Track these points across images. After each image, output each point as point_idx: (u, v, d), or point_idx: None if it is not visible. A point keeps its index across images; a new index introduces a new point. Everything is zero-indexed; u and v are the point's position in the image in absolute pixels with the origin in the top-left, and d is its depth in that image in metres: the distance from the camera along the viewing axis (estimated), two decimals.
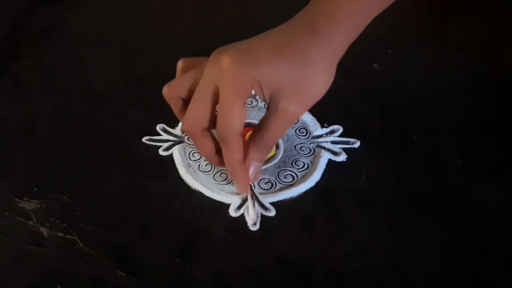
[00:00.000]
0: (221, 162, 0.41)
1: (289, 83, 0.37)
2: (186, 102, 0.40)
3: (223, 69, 0.37)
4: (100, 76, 0.54)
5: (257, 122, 0.49)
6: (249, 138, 0.41)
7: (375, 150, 0.46)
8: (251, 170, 0.41)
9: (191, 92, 0.39)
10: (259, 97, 0.39)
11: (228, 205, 0.42)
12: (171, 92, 0.41)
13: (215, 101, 0.38)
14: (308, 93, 0.38)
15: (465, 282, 0.38)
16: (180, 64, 0.42)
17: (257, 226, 0.41)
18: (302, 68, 0.37)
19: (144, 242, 0.40)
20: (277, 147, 0.47)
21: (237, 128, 0.38)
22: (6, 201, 0.42)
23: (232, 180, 0.44)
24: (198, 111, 0.39)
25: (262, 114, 0.49)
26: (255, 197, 0.43)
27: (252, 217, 0.41)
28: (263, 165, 0.45)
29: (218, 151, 0.41)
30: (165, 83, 0.52)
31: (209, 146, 0.40)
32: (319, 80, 0.38)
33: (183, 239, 0.41)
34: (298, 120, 0.49)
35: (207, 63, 0.38)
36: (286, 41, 0.38)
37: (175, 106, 0.41)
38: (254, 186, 0.44)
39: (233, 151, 0.39)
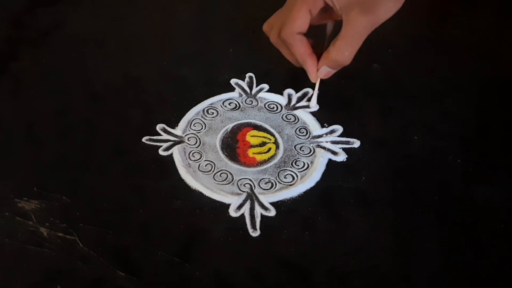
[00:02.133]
0: (293, 59, 0.47)
1: None
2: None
3: None
4: (100, 76, 0.54)
5: (257, 122, 0.49)
6: (329, 47, 0.44)
7: (375, 150, 0.46)
8: (320, 71, 0.45)
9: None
10: (334, 10, 0.42)
11: (228, 205, 0.42)
12: (268, 25, 0.47)
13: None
14: (377, 7, 0.41)
15: (465, 282, 0.38)
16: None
17: (258, 232, 0.41)
18: None
19: (144, 242, 0.40)
20: (277, 147, 0.47)
21: (297, 28, 0.43)
22: (6, 201, 0.42)
23: (232, 181, 0.44)
24: (274, 23, 0.45)
25: (262, 114, 0.50)
26: (255, 197, 0.43)
27: (314, 100, 0.49)
28: (264, 165, 0.45)
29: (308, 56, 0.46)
30: (165, 83, 0.53)
31: (290, 52, 0.46)
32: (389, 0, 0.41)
33: (183, 239, 0.41)
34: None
35: None
36: None
37: (272, 37, 0.47)
38: (255, 186, 0.44)
39: (298, 46, 0.44)
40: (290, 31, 0.43)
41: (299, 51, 0.44)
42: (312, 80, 0.47)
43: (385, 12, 0.41)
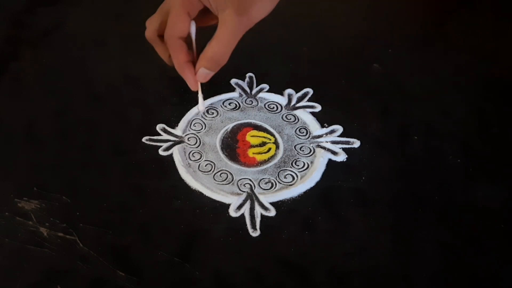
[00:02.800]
0: (171, 63, 0.45)
1: None
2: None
3: None
4: (100, 76, 0.54)
5: (257, 122, 0.49)
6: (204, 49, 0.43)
7: (375, 150, 0.46)
8: (198, 74, 0.44)
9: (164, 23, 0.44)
10: (210, 9, 0.42)
11: (228, 205, 0.42)
12: (149, 33, 0.45)
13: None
14: (252, 6, 0.40)
15: (465, 282, 0.38)
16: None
17: (258, 232, 0.41)
18: None
19: (144, 242, 0.40)
20: (277, 147, 0.47)
21: (177, 32, 0.42)
22: (6, 201, 0.42)
23: (232, 181, 0.44)
24: (155, 20, 0.44)
25: (262, 114, 0.50)
26: (255, 197, 0.43)
27: (200, 104, 0.48)
28: (264, 165, 0.45)
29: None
30: (165, 83, 0.53)
31: (161, 51, 0.45)
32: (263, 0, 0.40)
33: (183, 239, 0.41)
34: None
35: None
36: None
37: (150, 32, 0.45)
38: (255, 186, 0.44)
39: (176, 52, 0.43)
40: (170, 34, 0.43)
41: (177, 58, 0.43)
42: (192, 88, 0.45)
43: (259, 11, 0.41)
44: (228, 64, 0.55)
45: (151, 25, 0.44)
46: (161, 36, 0.44)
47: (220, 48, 0.42)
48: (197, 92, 0.47)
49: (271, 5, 0.41)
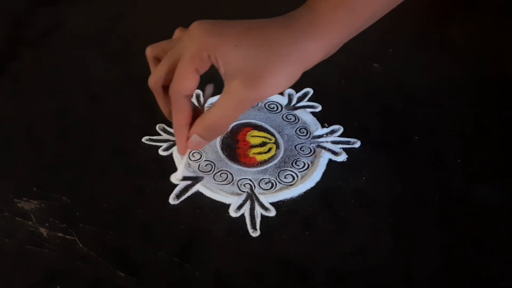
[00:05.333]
0: (170, 117, 0.41)
1: (246, 65, 0.37)
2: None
3: (191, 35, 0.38)
4: (100, 76, 0.54)
5: (257, 122, 0.49)
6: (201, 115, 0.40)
7: (376, 150, 0.46)
8: (190, 140, 0.40)
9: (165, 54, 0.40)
10: (218, 70, 0.38)
11: (228, 205, 0.42)
12: (151, 51, 0.41)
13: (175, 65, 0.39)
14: (264, 80, 0.36)
15: (465, 282, 0.38)
16: (176, 31, 0.42)
17: (258, 232, 0.41)
18: (263, 54, 0.37)
19: (144, 242, 0.40)
20: (278, 147, 0.47)
21: (183, 90, 0.38)
22: (5, 201, 0.42)
23: (232, 181, 0.44)
24: (162, 69, 0.39)
25: (262, 114, 0.50)
26: (255, 197, 0.43)
27: (179, 172, 0.44)
28: (265, 165, 0.45)
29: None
30: None
31: (166, 103, 0.41)
32: (279, 72, 0.37)
33: (183, 239, 0.40)
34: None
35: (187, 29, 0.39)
36: (257, 27, 0.38)
37: (151, 65, 0.42)
38: (255, 186, 0.44)
39: (177, 112, 0.39)
40: (175, 90, 0.39)
41: (177, 117, 0.40)
42: (180, 152, 0.41)
43: (270, 88, 0.37)
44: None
45: (156, 74, 0.40)
46: (165, 87, 0.40)
47: (219, 118, 0.38)
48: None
49: (286, 83, 0.37)
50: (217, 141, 0.47)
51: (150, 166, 0.45)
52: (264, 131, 0.48)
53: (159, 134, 0.48)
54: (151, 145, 0.47)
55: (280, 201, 0.43)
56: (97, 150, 0.47)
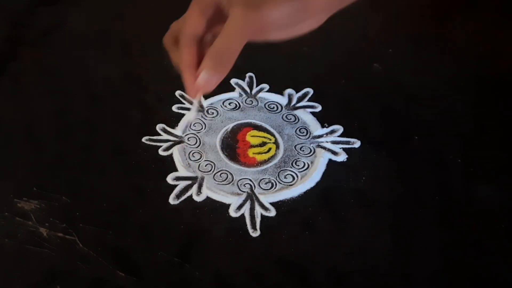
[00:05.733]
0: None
1: None
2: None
3: None
4: (100, 76, 0.54)
5: (257, 122, 0.49)
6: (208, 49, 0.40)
7: (376, 150, 0.46)
8: (199, 77, 0.39)
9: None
10: (222, 8, 0.39)
11: (228, 205, 0.42)
12: (167, 37, 0.43)
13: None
14: (261, 7, 0.37)
15: (465, 282, 0.38)
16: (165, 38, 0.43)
17: (258, 232, 0.41)
18: None
19: (144, 242, 0.40)
20: (277, 147, 0.47)
21: (189, 31, 0.40)
22: (5, 201, 0.42)
23: (232, 181, 0.44)
24: (174, 24, 0.42)
25: (262, 114, 0.50)
26: (255, 197, 0.43)
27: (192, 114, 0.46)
28: (264, 165, 0.45)
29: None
30: (165, 84, 0.53)
31: (174, 54, 0.41)
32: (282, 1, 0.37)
33: (183, 239, 0.40)
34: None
35: None
36: None
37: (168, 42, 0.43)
38: (255, 186, 0.44)
39: (183, 52, 0.40)
40: (183, 32, 0.40)
41: (183, 58, 0.40)
42: (191, 95, 0.40)
43: (271, 9, 0.37)
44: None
45: (170, 30, 0.42)
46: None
47: (225, 44, 0.38)
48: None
49: (287, 4, 0.37)
50: (217, 141, 0.47)
51: (150, 166, 0.45)
52: (264, 131, 0.48)
53: (159, 134, 0.48)
54: (151, 145, 0.47)
55: (280, 201, 0.43)
56: (97, 150, 0.47)
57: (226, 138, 0.47)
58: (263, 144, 0.47)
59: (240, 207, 0.42)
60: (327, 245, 0.40)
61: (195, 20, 0.40)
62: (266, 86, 0.52)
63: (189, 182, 0.44)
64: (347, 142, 0.47)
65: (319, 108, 0.50)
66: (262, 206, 0.42)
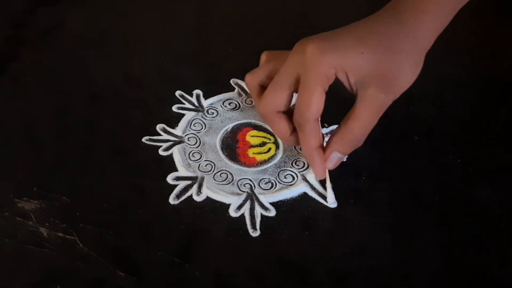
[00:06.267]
0: (296, 142, 0.41)
1: (377, 69, 0.37)
2: (265, 89, 0.41)
3: (307, 56, 0.37)
4: (100, 76, 0.54)
5: (257, 122, 0.49)
6: (336, 128, 0.40)
7: (375, 150, 0.46)
8: (329, 160, 0.40)
9: (271, 79, 0.40)
10: (345, 85, 0.38)
11: (228, 205, 0.42)
12: (253, 79, 0.41)
13: (294, 88, 0.38)
14: (396, 80, 0.37)
15: (465, 282, 0.38)
16: (263, 56, 0.42)
17: (258, 232, 0.41)
18: (389, 55, 0.37)
19: (144, 242, 0.40)
20: (277, 147, 0.47)
21: (314, 114, 0.38)
22: (5, 201, 0.42)
23: (232, 181, 0.44)
24: (275, 95, 0.39)
25: None
26: (255, 197, 0.43)
27: (330, 196, 0.42)
28: (264, 165, 0.45)
29: (294, 132, 0.41)
30: (165, 83, 0.53)
31: (284, 128, 0.41)
32: (408, 68, 0.38)
33: (183, 239, 0.41)
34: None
35: (290, 52, 0.39)
36: (371, 30, 0.38)
37: (254, 93, 0.42)
38: (255, 186, 0.44)
39: (310, 137, 0.39)
40: (306, 117, 0.38)
41: (309, 143, 0.39)
42: (319, 176, 0.41)
43: (403, 86, 0.37)
44: (228, 63, 0.55)
45: (272, 100, 0.39)
46: (281, 112, 0.40)
47: (359, 129, 0.37)
48: (324, 181, 0.42)
49: (415, 74, 0.38)
50: (217, 141, 0.47)
51: (150, 166, 0.45)
52: (264, 131, 0.48)
53: (159, 134, 0.48)
54: (151, 145, 0.47)
55: (280, 201, 0.43)
56: (97, 150, 0.47)
57: (226, 138, 0.48)
58: (263, 144, 0.47)
59: (240, 207, 0.42)
60: (327, 245, 0.40)
61: (319, 103, 0.38)
62: None
63: (189, 182, 0.44)
64: None
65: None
66: (262, 206, 0.42)
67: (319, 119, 0.39)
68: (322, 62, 0.37)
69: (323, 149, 0.40)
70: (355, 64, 0.37)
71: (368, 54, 0.37)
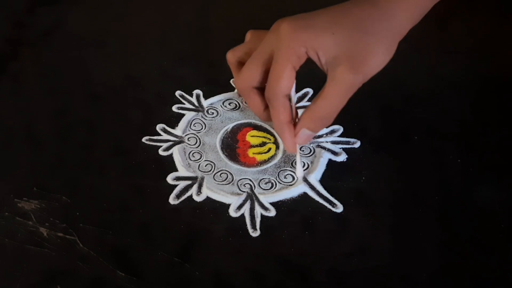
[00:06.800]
0: (269, 118, 0.41)
1: (347, 49, 0.37)
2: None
3: (280, 33, 0.38)
4: (100, 76, 0.54)
5: (257, 122, 0.49)
6: (307, 106, 0.40)
7: (375, 150, 0.46)
8: (299, 136, 0.40)
9: (249, 56, 0.41)
10: (318, 65, 0.39)
11: (228, 205, 0.42)
12: (233, 56, 0.42)
13: (268, 65, 0.39)
14: (366, 62, 0.37)
15: (465, 282, 0.38)
16: (248, 34, 0.43)
17: (258, 232, 0.41)
18: (361, 35, 0.37)
19: (144, 242, 0.40)
20: (277, 147, 0.47)
21: (283, 90, 0.38)
22: (5, 201, 0.42)
23: (232, 181, 0.44)
24: (251, 70, 0.40)
25: None
26: (255, 197, 0.43)
27: (299, 169, 0.43)
28: (264, 165, 0.45)
29: (267, 108, 0.41)
30: (165, 83, 0.53)
31: (258, 103, 0.41)
32: (378, 50, 0.38)
33: (183, 239, 0.41)
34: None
35: (268, 31, 0.39)
36: (345, 12, 0.39)
37: (234, 69, 0.43)
38: (255, 186, 0.44)
39: (279, 112, 0.39)
40: (275, 92, 0.39)
41: (279, 117, 0.40)
42: (290, 150, 0.42)
43: (372, 68, 0.38)
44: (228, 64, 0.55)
45: (246, 76, 0.40)
46: (257, 88, 0.41)
47: (327, 108, 0.38)
48: (294, 154, 0.44)
49: (386, 58, 0.38)
50: (217, 141, 0.47)
51: (150, 166, 0.45)
52: (264, 131, 0.48)
53: (159, 134, 0.48)
54: (151, 145, 0.47)
55: (280, 201, 0.43)
56: (97, 150, 0.47)
57: (226, 138, 0.48)
58: (263, 144, 0.47)
59: (240, 207, 0.42)
60: (327, 245, 0.40)
61: (289, 79, 0.38)
62: None
63: (189, 182, 0.44)
64: (347, 142, 0.47)
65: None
66: (262, 206, 0.42)
67: (290, 95, 0.40)
68: (293, 39, 0.37)
69: (295, 125, 0.41)
70: (326, 44, 0.37)
71: (339, 35, 0.37)
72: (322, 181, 0.44)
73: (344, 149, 0.46)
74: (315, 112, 0.39)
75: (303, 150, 0.46)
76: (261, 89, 0.41)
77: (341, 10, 0.39)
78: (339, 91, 0.38)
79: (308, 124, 0.40)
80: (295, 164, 0.44)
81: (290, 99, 0.40)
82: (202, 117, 0.49)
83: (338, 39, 0.37)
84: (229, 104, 0.50)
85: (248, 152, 0.46)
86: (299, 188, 0.43)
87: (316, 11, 0.40)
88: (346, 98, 0.38)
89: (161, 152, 0.46)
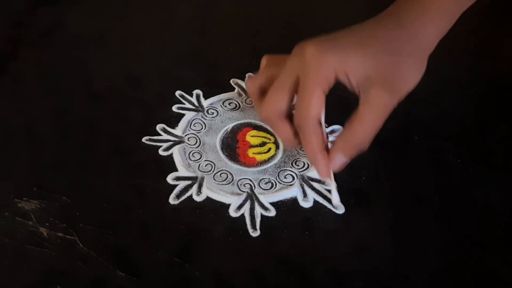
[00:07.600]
0: (300, 144, 0.40)
1: (379, 71, 0.36)
2: (265, 94, 0.40)
3: (306, 58, 0.37)
4: (100, 76, 0.54)
5: (257, 122, 0.49)
6: (341, 131, 0.39)
7: (375, 150, 0.46)
8: (333, 162, 0.39)
9: (271, 83, 0.39)
10: (348, 87, 0.37)
11: (228, 205, 0.42)
12: (254, 85, 0.41)
13: (294, 91, 0.38)
14: (399, 81, 0.37)
15: (465, 282, 0.38)
16: (264, 60, 0.42)
17: (258, 232, 0.41)
18: (391, 57, 0.37)
19: (144, 242, 0.40)
20: (277, 147, 0.47)
21: (314, 116, 0.37)
22: (5, 201, 0.42)
23: (232, 181, 0.44)
24: (276, 98, 0.39)
25: None
26: (255, 197, 0.43)
27: (335, 198, 0.41)
28: (264, 165, 0.45)
29: (296, 134, 0.40)
30: (165, 83, 0.53)
31: (287, 131, 0.40)
32: (410, 70, 0.37)
33: (183, 239, 0.41)
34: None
35: (290, 55, 0.38)
36: (371, 33, 0.38)
37: (255, 98, 0.42)
38: (255, 186, 0.44)
39: (311, 139, 0.38)
40: (306, 118, 0.37)
41: (312, 144, 0.38)
42: (323, 177, 0.40)
43: (407, 86, 0.37)
44: (228, 63, 0.55)
45: (273, 104, 0.39)
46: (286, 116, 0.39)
47: (363, 132, 0.37)
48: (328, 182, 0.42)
49: (418, 76, 0.38)
50: (217, 141, 0.47)
51: (150, 166, 0.45)
52: (264, 131, 0.48)
53: (159, 134, 0.48)
54: (151, 145, 0.47)
55: (280, 201, 0.43)
56: (97, 150, 0.47)
57: (226, 138, 0.48)
58: (263, 144, 0.47)
59: (240, 207, 0.42)
60: (327, 245, 0.40)
61: (319, 105, 0.37)
62: None
63: (189, 182, 0.44)
64: None
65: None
66: (262, 206, 0.42)
67: (321, 120, 0.38)
68: (321, 63, 0.36)
69: (328, 150, 0.39)
70: (356, 65, 0.36)
71: (369, 56, 0.37)
72: (322, 181, 0.44)
73: None
74: (352, 136, 0.37)
75: (303, 150, 0.46)
76: (287, 115, 0.40)
77: (367, 32, 0.38)
78: (375, 113, 0.36)
79: (344, 149, 0.38)
80: (331, 192, 0.42)
81: (321, 125, 0.39)
82: (202, 117, 0.49)
83: (369, 60, 0.36)
84: (229, 104, 0.50)
85: (248, 152, 0.46)
86: (299, 188, 0.43)
87: (338, 32, 0.39)
88: (383, 120, 0.37)
89: (161, 152, 0.46)
